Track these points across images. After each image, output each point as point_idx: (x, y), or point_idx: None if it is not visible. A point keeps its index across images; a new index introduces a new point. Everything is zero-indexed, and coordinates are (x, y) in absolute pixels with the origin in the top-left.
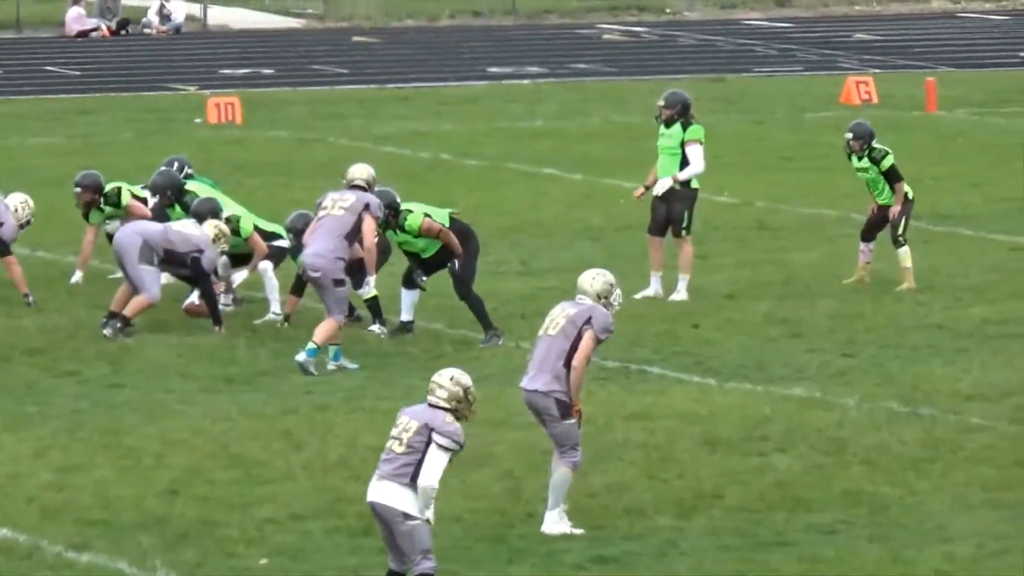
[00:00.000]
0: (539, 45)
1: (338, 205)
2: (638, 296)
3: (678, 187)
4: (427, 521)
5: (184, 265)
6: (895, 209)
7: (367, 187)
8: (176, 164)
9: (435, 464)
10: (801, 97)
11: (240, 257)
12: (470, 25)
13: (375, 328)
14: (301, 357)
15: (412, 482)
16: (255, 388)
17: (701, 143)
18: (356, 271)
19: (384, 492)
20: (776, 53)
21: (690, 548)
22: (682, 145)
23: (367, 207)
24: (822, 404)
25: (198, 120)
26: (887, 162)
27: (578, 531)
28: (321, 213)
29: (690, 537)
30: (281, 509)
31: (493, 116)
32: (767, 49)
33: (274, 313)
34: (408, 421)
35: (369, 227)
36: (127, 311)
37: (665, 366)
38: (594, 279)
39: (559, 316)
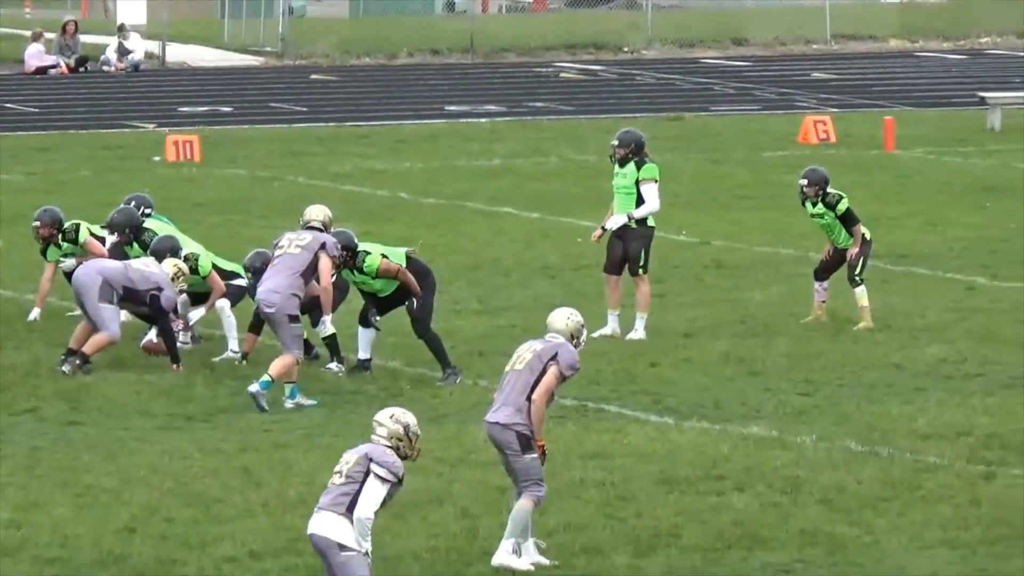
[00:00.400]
0: (497, 84)
1: (295, 244)
2: (596, 335)
3: (634, 225)
4: (364, 553)
5: (143, 303)
6: (853, 251)
7: (323, 228)
8: (135, 203)
9: (372, 495)
10: (759, 136)
11: (199, 295)
12: (428, 63)
13: (333, 366)
14: (254, 388)
15: (348, 512)
16: (213, 426)
17: (656, 181)
18: (313, 308)
19: (320, 523)
20: (734, 92)
21: None
22: (637, 184)
23: (323, 246)
24: (779, 443)
25: (156, 158)
26: (842, 206)
27: (524, 568)
28: (278, 252)
29: None
30: (239, 547)
31: (451, 154)
32: (725, 88)
33: (232, 351)
34: (349, 455)
35: (325, 266)
36: (87, 349)
37: (623, 404)
38: (569, 318)
39: (526, 352)
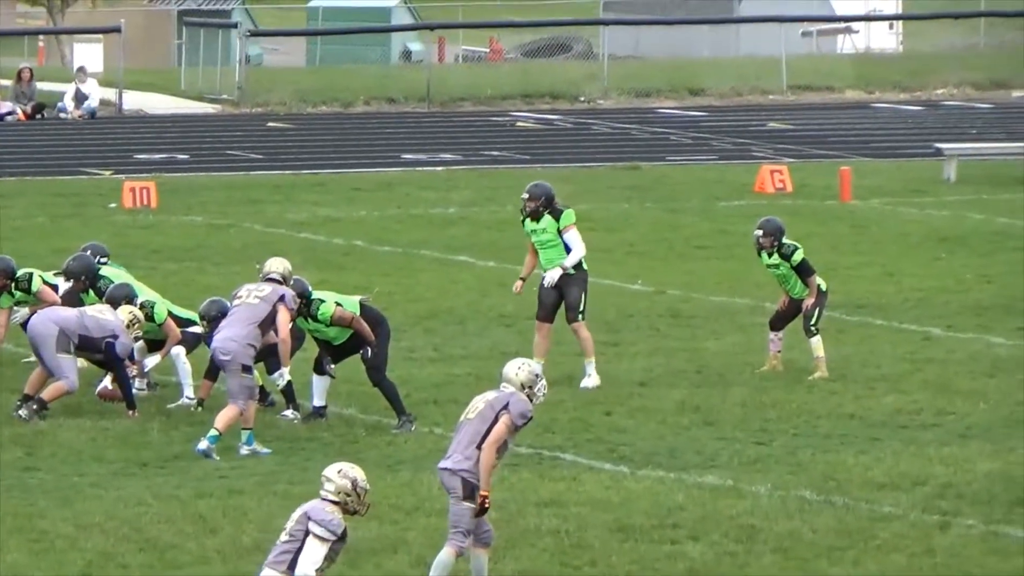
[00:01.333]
0: (453, 132)
1: (253, 295)
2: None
3: (572, 272)
4: None
5: (99, 351)
6: (808, 301)
7: (283, 280)
8: (91, 251)
9: (311, 553)
10: (715, 185)
11: (154, 343)
12: (384, 112)
13: (288, 414)
14: (203, 445)
15: (289, 570)
16: (169, 472)
17: (575, 225)
18: (269, 356)
19: None
20: (690, 141)
21: None
22: (559, 233)
23: (282, 299)
24: (734, 492)
25: (113, 204)
26: (797, 257)
27: None
28: (236, 302)
29: None
30: None
31: (407, 202)
32: (681, 137)
33: (187, 398)
34: (296, 512)
35: (284, 319)
36: (45, 395)
37: (577, 453)
38: (519, 369)
39: (479, 401)
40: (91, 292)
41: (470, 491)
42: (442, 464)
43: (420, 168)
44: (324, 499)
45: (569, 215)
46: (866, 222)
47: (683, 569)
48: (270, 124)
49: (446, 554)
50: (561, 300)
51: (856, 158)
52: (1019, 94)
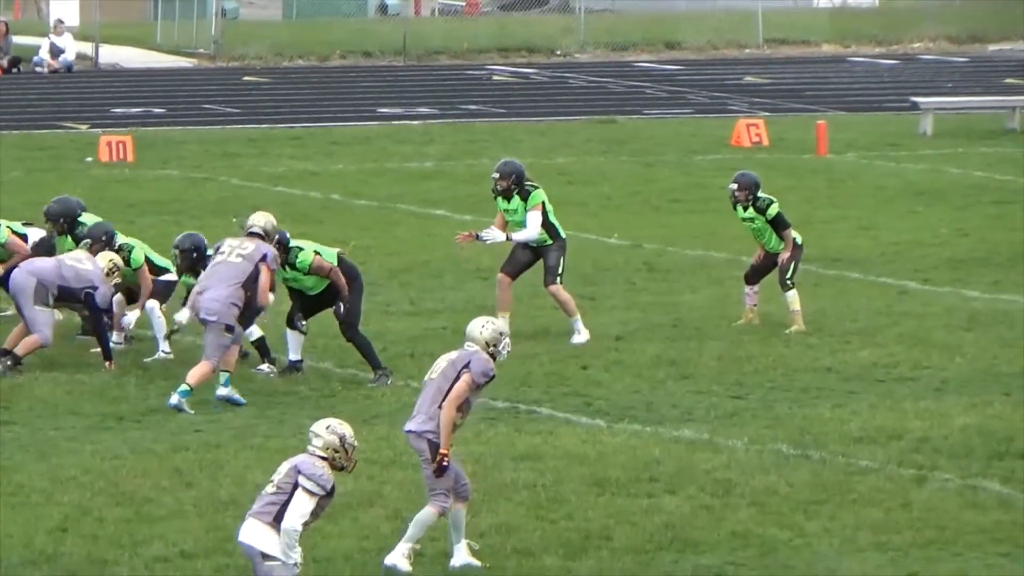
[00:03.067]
0: (429, 86)
1: (236, 252)
2: None
3: (548, 241)
4: (294, 564)
5: (78, 300)
6: (784, 255)
7: (265, 235)
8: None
9: (298, 507)
10: (691, 139)
11: (130, 292)
12: (361, 66)
13: (264, 368)
14: (174, 399)
15: (275, 522)
16: (145, 426)
17: (540, 206)
18: (243, 311)
19: (248, 530)
20: (666, 95)
21: None
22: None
23: (264, 258)
24: (711, 446)
25: (89, 159)
26: (772, 211)
27: (406, 570)
28: (218, 258)
29: None
30: (171, 547)
31: (384, 156)
32: (657, 91)
33: (163, 352)
34: (284, 465)
35: (265, 280)
36: (19, 350)
37: (554, 407)
38: (483, 327)
39: (443, 360)
40: (68, 238)
41: (436, 451)
42: (408, 426)
43: (396, 122)
44: (312, 455)
45: (536, 196)
46: (842, 176)
47: (659, 523)
48: (246, 78)
49: (428, 513)
50: (532, 263)
51: (832, 112)
52: (995, 47)
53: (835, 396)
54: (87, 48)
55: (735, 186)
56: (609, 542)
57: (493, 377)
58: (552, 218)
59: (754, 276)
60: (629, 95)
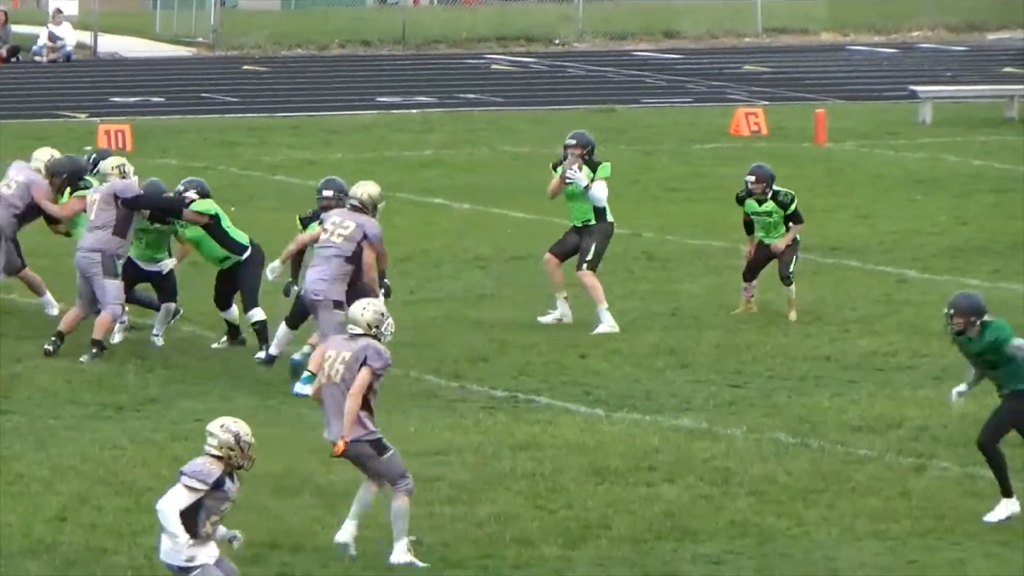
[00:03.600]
0: (428, 75)
1: (337, 232)
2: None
3: (593, 222)
4: (188, 560)
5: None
6: (779, 244)
7: (364, 207)
8: (94, 157)
9: (172, 496)
10: (690, 128)
11: (135, 278)
12: (359, 55)
13: (262, 355)
14: (298, 388)
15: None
16: (144, 415)
17: (606, 181)
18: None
19: (163, 547)
20: (665, 84)
21: None
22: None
23: (366, 237)
24: (709, 435)
25: (88, 148)
26: (793, 206)
27: (421, 564)
28: (322, 238)
29: (577, 567)
30: None
31: (382, 145)
32: (656, 80)
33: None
34: None
35: (369, 259)
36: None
37: (553, 396)
38: (364, 309)
39: (336, 363)
40: (66, 193)
41: (379, 446)
42: (332, 437)
43: (395, 111)
44: (208, 454)
45: (606, 169)
46: (841, 164)
47: (658, 512)
48: (245, 67)
49: (401, 504)
50: (579, 248)
51: (831, 100)
52: (994, 36)
53: (834, 385)
54: (86, 37)
55: (752, 179)
56: (608, 531)
57: (389, 364)
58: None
59: (751, 273)
60: (628, 84)
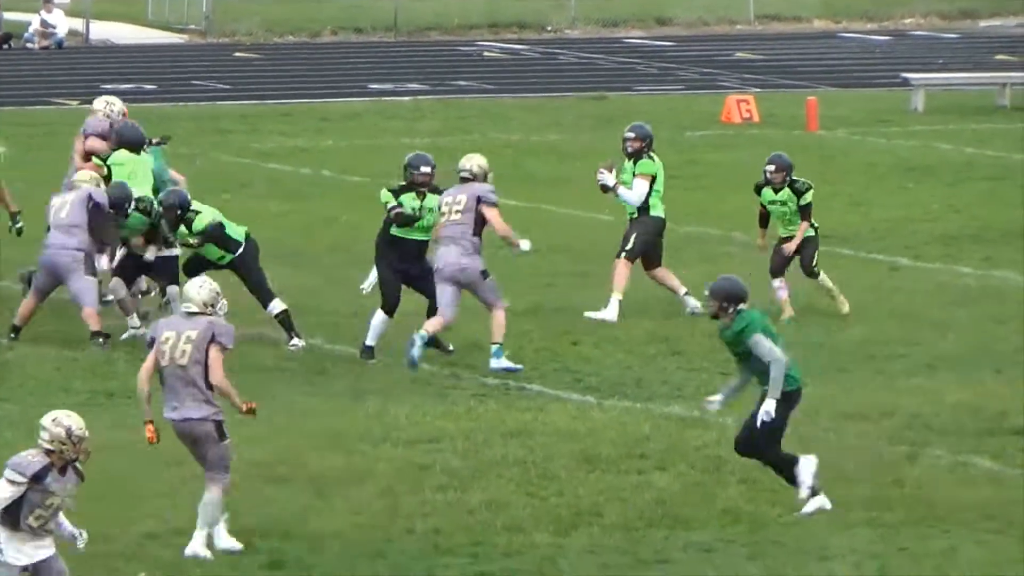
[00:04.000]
0: (420, 62)
1: (454, 210)
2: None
3: (636, 215)
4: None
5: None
6: (791, 245)
7: (474, 177)
8: (158, 140)
9: None
10: (682, 115)
11: (136, 268)
12: (351, 42)
13: (297, 343)
14: (495, 363)
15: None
16: (135, 403)
17: (648, 178)
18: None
19: None
20: (657, 71)
21: (569, 566)
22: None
23: (479, 200)
24: (701, 422)
25: None
26: (808, 196)
27: (211, 557)
28: (443, 220)
29: (569, 554)
30: (161, 524)
31: (374, 133)
32: (648, 67)
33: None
34: None
35: (494, 215)
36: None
37: (544, 383)
38: (201, 288)
39: (181, 342)
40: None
41: (221, 430)
42: (181, 415)
43: (387, 98)
44: (40, 447)
45: (646, 165)
46: (833, 152)
47: (650, 499)
48: (237, 54)
49: (214, 495)
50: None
51: (823, 88)
52: (986, 23)
53: (826, 373)
54: (78, 24)
55: (772, 167)
56: (600, 518)
57: (233, 335)
58: (651, 196)
59: (779, 268)
60: (620, 71)
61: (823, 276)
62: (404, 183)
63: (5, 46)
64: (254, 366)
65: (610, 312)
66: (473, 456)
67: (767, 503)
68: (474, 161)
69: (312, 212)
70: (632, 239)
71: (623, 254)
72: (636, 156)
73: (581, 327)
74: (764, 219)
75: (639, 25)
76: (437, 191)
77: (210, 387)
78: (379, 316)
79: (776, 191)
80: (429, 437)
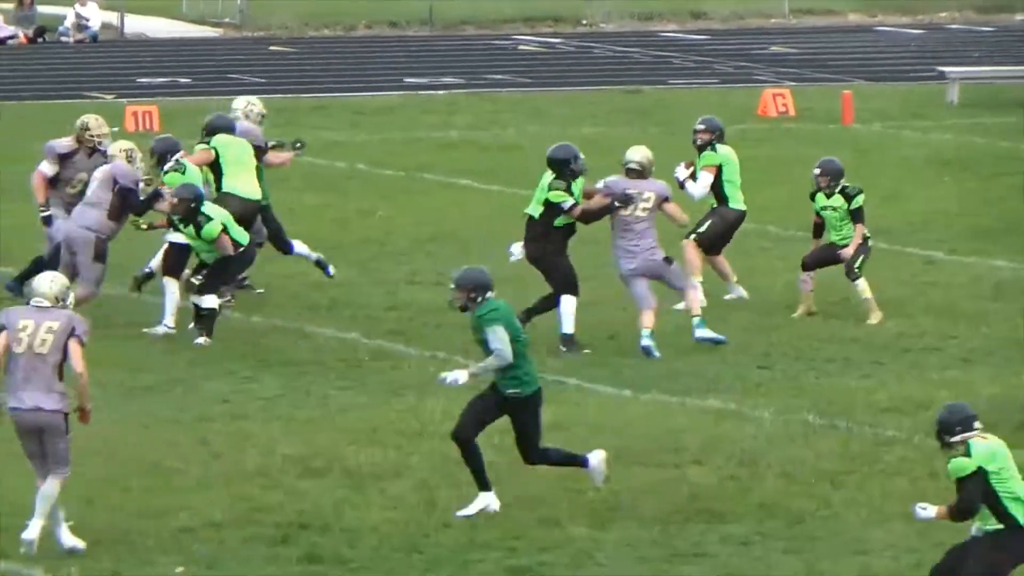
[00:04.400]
0: (455, 56)
1: (641, 206)
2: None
3: (715, 205)
4: None
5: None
6: (848, 250)
7: (642, 169)
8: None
9: None
10: (717, 109)
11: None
12: (386, 35)
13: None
14: (701, 333)
15: None
16: (170, 396)
17: (713, 170)
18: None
19: None
20: (693, 65)
21: (605, 559)
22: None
23: (667, 199)
24: (737, 416)
25: (115, 129)
26: (859, 200)
27: (35, 551)
28: (624, 215)
29: (605, 548)
30: (197, 517)
31: (409, 126)
32: (684, 61)
33: (166, 326)
34: None
35: (676, 210)
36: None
37: (581, 377)
38: (52, 282)
39: (41, 332)
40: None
41: (67, 423)
42: (28, 404)
43: (422, 92)
44: None
45: (710, 157)
46: (868, 146)
47: (686, 493)
48: (272, 48)
49: (52, 486)
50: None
51: (858, 81)
52: (1022, 17)
53: (862, 366)
54: (112, 18)
55: (818, 171)
56: (636, 513)
57: (88, 330)
58: (725, 187)
59: (812, 263)
60: (655, 65)
61: (862, 283)
62: (558, 175)
63: (40, 40)
64: (290, 360)
65: (690, 303)
66: (509, 451)
67: (804, 497)
68: (642, 154)
69: (347, 206)
70: (707, 224)
71: (692, 235)
72: (705, 149)
73: (618, 321)
74: (818, 229)
75: (674, 18)
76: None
77: (62, 379)
78: (572, 302)
79: (828, 196)
80: None
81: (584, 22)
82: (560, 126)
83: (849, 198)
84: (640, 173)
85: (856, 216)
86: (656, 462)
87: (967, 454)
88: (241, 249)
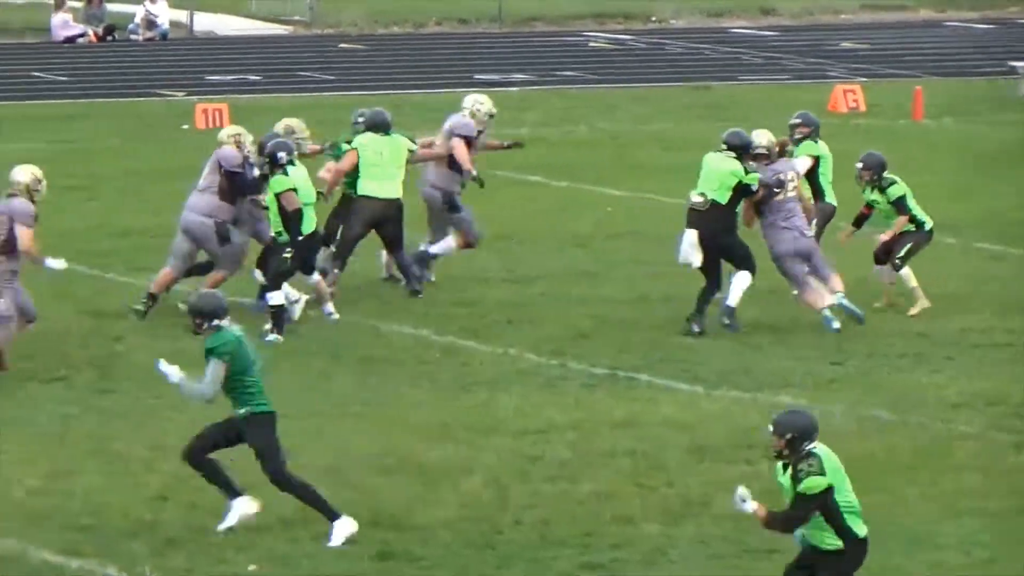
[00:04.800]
0: (526, 53)
1: (790, 188)
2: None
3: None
4: None
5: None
6: (884, 236)
7: (769, 153)
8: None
9: None
10: (788, 105)
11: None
12: (456, 32)
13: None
14: (844, 303)
15: None
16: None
17: (807, 160)
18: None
19: None
20: (763, 61)
21: (679, 556)
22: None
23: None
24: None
25: (186, 126)
26: (892, 191)
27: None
28: (781, 197)
29: (679, 545)
30: (271, 515)
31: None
32: (754, 57)
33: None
34: None
35: (803, 191)
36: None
37: (653, 373)
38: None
39: None
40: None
41: None
42: None
43: (493, 88)
44: None
45: (807, 147)
46: (938, 141)
47: (758, 489)
48: (342, 45)
49: None
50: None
51: (929, 77)
52: None
53: (932, 362)
54: (182, 16)
55: (860, 165)
56: (708, 508)
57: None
58: (821, 181)
59: (884, 255)
60: (725, 61)
61: (907, 272)
62: (739, 159)
63: (109, 38)
64: (363, 358)
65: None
66: (582, 447)
67: (876, 492)
68: (767, 137)
69: (419, 203)
70: (812, 225)
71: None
72: (802, 143)
73: (688, 316)
74: (860, 219)
75: (744, 15)
76: None
77: None
78: (748, 278)
79: (870, 189)
80: (537, 428)
81: (654, 19)
82: (631, 123)
83: (883, 191)
84: (768, 156)
85: (898, 208)
86: (728, 458)
87: (821, 471)
88: (299, 233)
